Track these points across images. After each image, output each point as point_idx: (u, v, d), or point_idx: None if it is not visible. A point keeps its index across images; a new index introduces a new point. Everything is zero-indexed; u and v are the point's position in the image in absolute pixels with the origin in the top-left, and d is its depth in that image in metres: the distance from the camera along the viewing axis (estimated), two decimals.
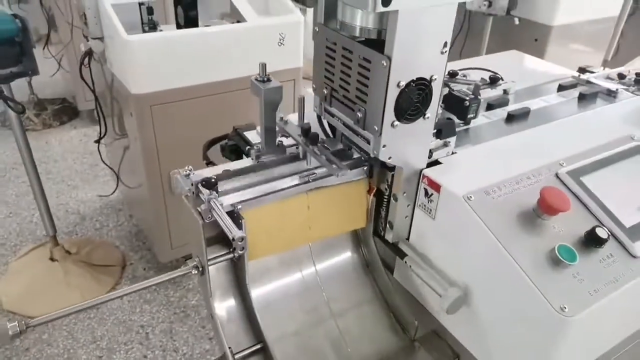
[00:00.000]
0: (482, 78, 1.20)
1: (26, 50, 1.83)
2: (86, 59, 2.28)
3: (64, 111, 3.88)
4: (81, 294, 2.32)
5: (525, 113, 1.17)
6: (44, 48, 3.53)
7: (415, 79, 0.82)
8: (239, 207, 0.82)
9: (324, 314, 0.98)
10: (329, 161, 0.88)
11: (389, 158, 0.89)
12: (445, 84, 1.15)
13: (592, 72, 1.43)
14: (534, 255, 0.82)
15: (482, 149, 1.04)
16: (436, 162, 0.97)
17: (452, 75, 1.19)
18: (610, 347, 0.92)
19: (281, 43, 2.12)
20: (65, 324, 2.24)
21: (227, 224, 0.74)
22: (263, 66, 0.94)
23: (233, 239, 0.72)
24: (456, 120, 1.10)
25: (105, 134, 2.45)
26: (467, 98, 1.06)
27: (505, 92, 1.27)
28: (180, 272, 0.82)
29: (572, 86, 1.33)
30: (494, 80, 1.20)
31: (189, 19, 2.19)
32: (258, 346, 0.89)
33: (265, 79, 0.92)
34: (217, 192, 0.80)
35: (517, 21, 2.98)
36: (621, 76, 1.41)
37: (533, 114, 1.19)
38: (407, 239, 1.02)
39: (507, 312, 0.85)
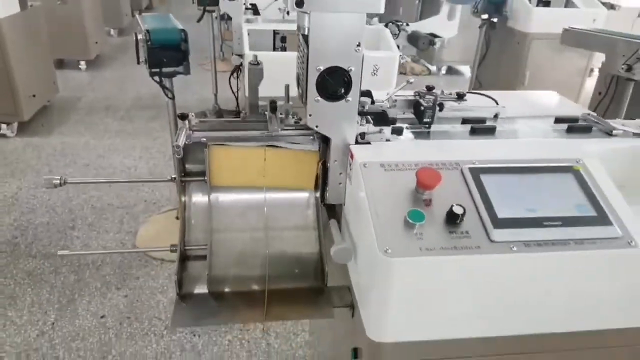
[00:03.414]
0: (442, 91, 1.35)
1: (186, 56, 2.54)
2: (235, 73, 2.97)
3: None
4: None
5: (490, 129, 1.28)
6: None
7: (333, 66, 1.09)
8: (203, 139, 1.19)
9: (260, 226, 1.26)
10: (275, 122, 1.20)
11: (317, 126, 1.16)
12: (420, 95, 1.36)
13: None
14: (393, 215, 0.98)
15: (417, 143, 1.21)
16: (368, 144, 1.19)
17: (430, 89, 1.36)
18: (455, 329, 1.00)
19: (374, 73, 2.45)
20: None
21: (180, 140, 1.11)
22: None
23: (174, 145, 1.09)
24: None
25: None
26: (424, 105, 1.26)
27: (496, 115, 1.39)
28: (159, 180, 1.22)
29: (573, 120, 1.36)
30: (460, 96, 1.34)
31: None
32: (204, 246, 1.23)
33: (256, 63, 1.29)
34: (189, 124, 1.18)
35: None
36: None
37: (502, 132, 1.29)
38: (344, 204, 1.25)
39: (367, 259, 1.02)
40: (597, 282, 0.99)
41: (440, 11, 2.75)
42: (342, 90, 1.11)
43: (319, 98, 1.12)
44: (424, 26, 2.79)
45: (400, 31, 2.79)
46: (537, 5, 4.46)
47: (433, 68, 6.72)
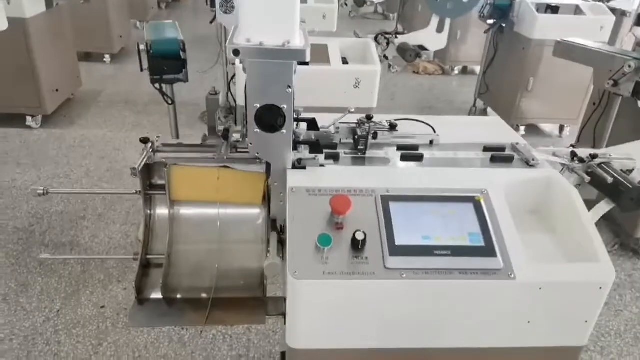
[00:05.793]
0: (377, 122, 1.49)
1: (185, 64, 2.73)
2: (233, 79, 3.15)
3: None
4: None
5: (419, 156, 1.41)
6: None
7: (268, 104, 1.25)
8: (164, 159, 1.38)
9: (213, 239, 1.43)
10: (225, 149, 1.38)
11: (257, 153, 1.32)
12: (360, 124, 1.50)
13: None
14: (308, 238, 1.14)
15: (345, 169, 1.36)
16: (304, 168, 1.35)
17: (369, 118, 1.50)
18: (357, 340, 1.15)
19: (357, 86, 2.59)
20: None
21: (138, 163, 1.30)
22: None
23: (131, 168, 1.28)
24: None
25: None
26: (359, 134, 1.41)
27: (431, 142, 1.53)
28: (127, 192, 1.42)
29: (500, 149, 1.48)
30: (393, 126, 1.48)
31: None
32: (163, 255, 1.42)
33: (214, 93, 1.46)
34: (153, 146, 1.38)
35: None
36: (574, 154, 1.49)
37: (429, 159, 1.42)
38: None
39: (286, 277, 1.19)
40: (479, 308, 1.13)
41: (429, 24, 2.84)
42: (278, 123, 1.27)
43: (258, 130, 1.28)
44: (413, 38, 2.90)
45: (389, 43, 2.91)
46: (546, 12, 4.47)
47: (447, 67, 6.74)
